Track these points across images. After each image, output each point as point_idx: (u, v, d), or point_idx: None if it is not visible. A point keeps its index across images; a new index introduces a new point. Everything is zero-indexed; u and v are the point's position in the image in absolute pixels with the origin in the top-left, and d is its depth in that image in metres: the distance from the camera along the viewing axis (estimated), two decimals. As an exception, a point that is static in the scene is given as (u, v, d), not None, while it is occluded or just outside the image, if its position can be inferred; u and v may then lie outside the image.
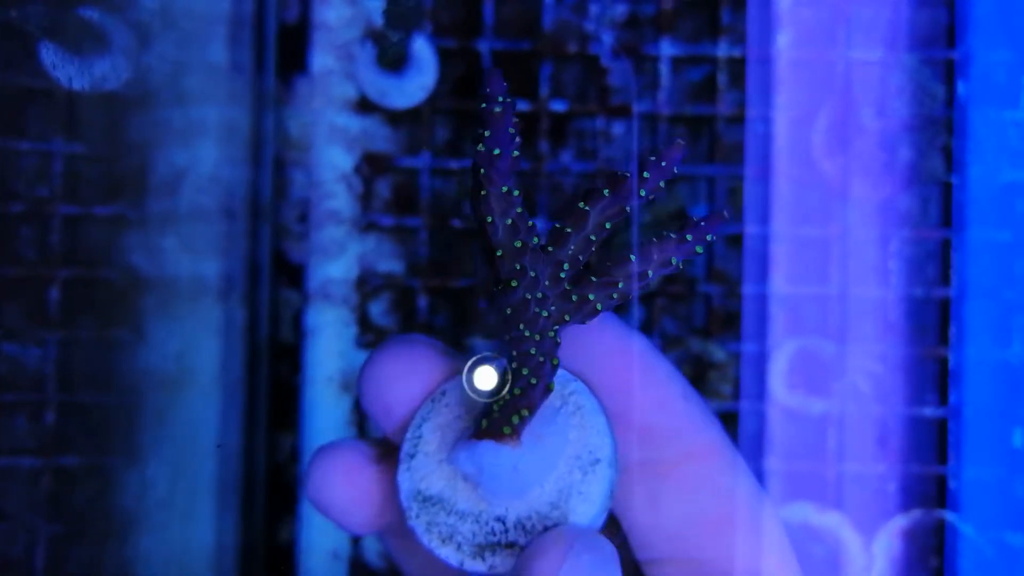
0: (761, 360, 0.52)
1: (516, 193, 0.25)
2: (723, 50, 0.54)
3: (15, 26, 0.44)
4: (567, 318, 0.25)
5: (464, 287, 0.52)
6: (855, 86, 0.52)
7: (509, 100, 0.25)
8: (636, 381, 0.28)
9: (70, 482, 0.47)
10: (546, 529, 0.25)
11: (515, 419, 0.24)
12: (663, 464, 0.29)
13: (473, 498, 0.26)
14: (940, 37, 0.52)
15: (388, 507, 0.29)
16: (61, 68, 0.46)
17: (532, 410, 0.24)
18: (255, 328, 0.51)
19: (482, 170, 0.24)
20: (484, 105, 0.24)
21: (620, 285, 0.26)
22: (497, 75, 0.25)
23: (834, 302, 0.52)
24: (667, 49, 0.54)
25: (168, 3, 0.48)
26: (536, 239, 0.25)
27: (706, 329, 0.54)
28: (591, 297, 0.25)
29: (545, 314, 0.25)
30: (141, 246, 0.47)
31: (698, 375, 0.53)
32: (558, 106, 0.54)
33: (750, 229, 0.53)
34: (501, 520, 0.26)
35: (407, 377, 0.28)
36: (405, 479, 0.27)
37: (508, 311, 0.25)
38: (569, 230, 0.26)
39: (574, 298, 0.25)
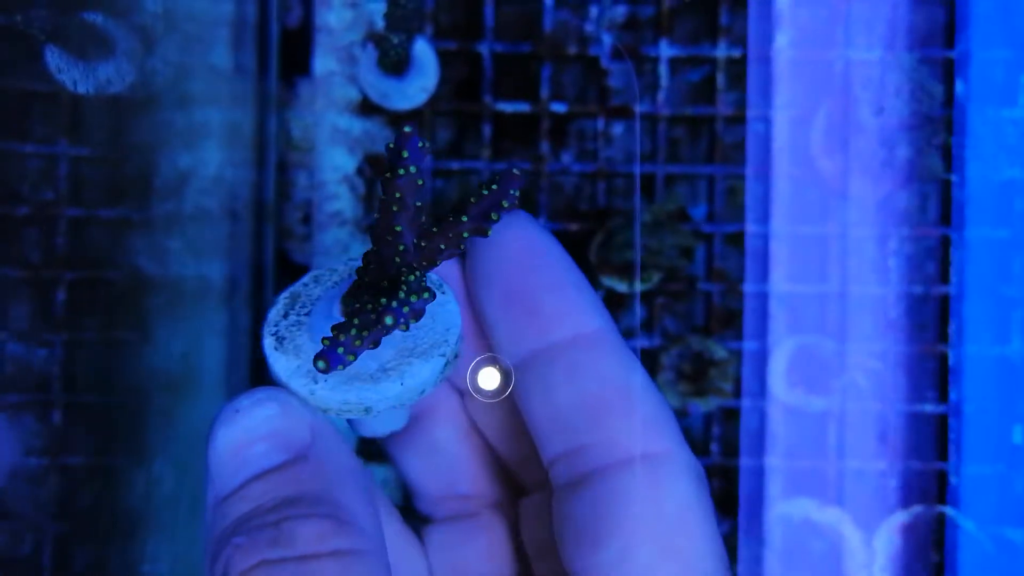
0: (762, 358, 0.52)
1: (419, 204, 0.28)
2: (722, 51, 0.54)
3: (20, 30, 0.44)
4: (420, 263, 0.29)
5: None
6: (854, 85, 0.52)
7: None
8: (531, 265, 0.30)
9: (76, 482, 0.47)
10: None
11: (365, 333, 0.27)
12: (552, 350, 0.30)
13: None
14: (938, 36, 0.53)
15: None
16: (66, 72, 0.47)
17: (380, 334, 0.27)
18: (259, 329, 0.51)
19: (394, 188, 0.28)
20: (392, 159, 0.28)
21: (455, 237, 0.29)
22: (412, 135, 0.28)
23: (834, 300, 0.52)
24: (666, 50, 0.54)
25: (172, 7, 0.49)
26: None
27: (707, 327, 0.54)
28: (441, 247, 0.29)
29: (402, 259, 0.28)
30: (146, 248, 0.48)
31: (699, 373, 0.53)
32: (558, 107, 0.54)
33: (750, 228, 0.53)
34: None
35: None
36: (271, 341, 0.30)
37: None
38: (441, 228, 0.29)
39: (423, 244, 0.29)
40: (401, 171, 0.28)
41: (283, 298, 0.32)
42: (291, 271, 0.53)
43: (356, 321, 0.26)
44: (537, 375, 0.30)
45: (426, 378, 0.29)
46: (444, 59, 0.53)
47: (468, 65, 0.55)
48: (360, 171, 0.54)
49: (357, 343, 0.26)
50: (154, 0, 0.49)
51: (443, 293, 0.31)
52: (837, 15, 0.53)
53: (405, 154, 0.28)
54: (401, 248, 0.28)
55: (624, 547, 0.28)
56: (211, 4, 0.50)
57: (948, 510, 0.51)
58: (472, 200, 0.29)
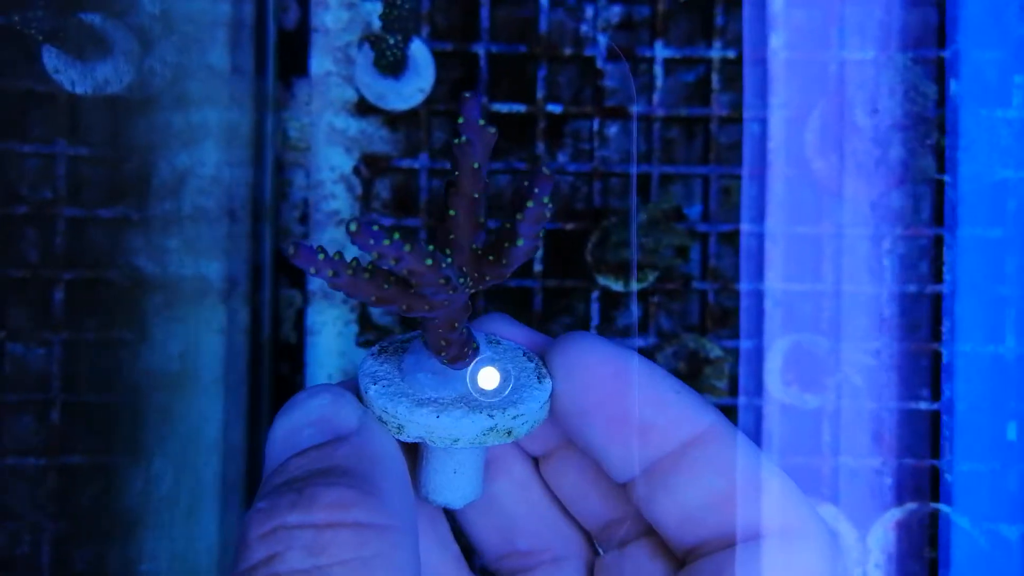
0: (757, 356, 0.52)
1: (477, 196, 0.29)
2: (717, 51, 0.54)
3: (18, 31, 0.44)
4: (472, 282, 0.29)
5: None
6: (848, 86, 0.53)
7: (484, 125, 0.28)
8: (621, 386, 0.30)
9: (75, 481, 0.47)
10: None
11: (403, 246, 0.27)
12: (670, 457, 0.30)
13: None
14: (931, 36, 0.53)
15: None
16: (64, 72, 0.47)
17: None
18: (257, 328, 0.51)
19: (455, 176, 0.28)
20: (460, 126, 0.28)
21: (505, 262, 0.29)
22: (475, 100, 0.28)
23: (828, 299, 0.52)
24: (661, 51, 0.54)
25: (169, 8, 0.49)
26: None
27: (702, 326, 0.54)
28: (487, 275, 0.29)
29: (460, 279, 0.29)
30: (144, 247, 0.48)
31: (694, 371, 0.53)
32: (554, 108, 0.54)
33: (745, 227, 0.53)
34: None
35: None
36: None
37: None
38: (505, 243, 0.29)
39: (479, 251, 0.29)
40: (457, 141, 0.28)
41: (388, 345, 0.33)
42: (288, 270, 0.53)
43: (356, 221, 0.26)
44: (660, 482, 0.30)
45: (463, 430, 0.29)
46: (440, 60, 0.53)
47: (464, 66, 0.55)
48: (357, 171, 0.54)
49: (386, 242, 0.26)
50: (152, 1, 0.49)
51: (540, 383, 0.31)
52: (831, 16, 0.53)
53: (461, 120, 0.28)
54: (452, 237, 0.28)
55: None
56: (209, 5, 0.50)
57: (942, 507, 0.51)
58: (519, 218, 0.29)
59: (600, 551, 0.34)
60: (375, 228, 0.25)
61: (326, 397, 0.29)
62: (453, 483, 0.32)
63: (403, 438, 0.30)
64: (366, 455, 0.28)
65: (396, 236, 0.26)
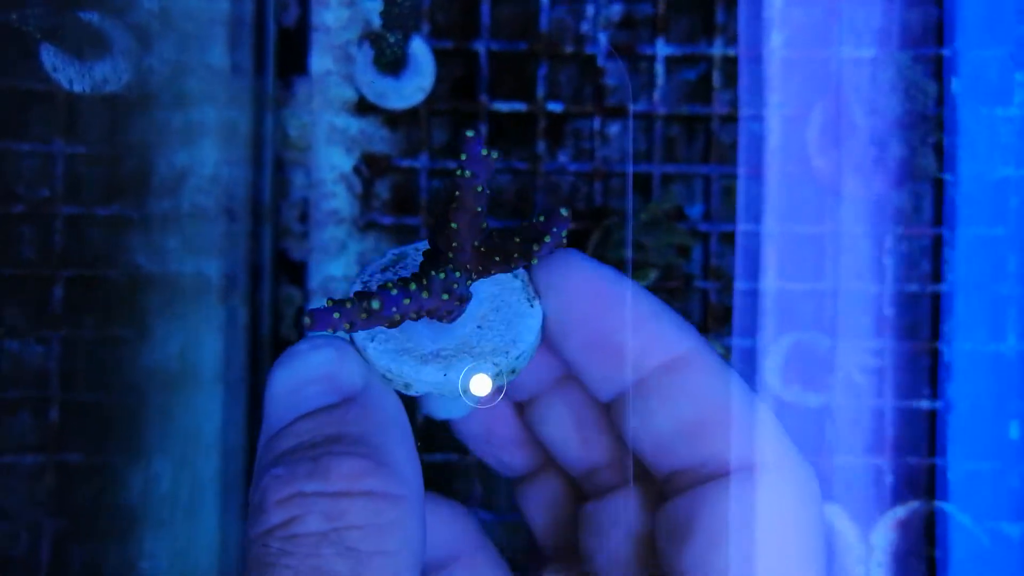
0: (757, 355, 0.52)
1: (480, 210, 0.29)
2: (718, 49, 0.54)
3: (16, 29, 0.44)
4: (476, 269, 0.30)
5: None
6: (847, 84, 0.53)
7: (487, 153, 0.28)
8: (604, 306, 0.30)
9: (74, 479, 0.47)
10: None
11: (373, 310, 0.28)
12: (647, 380, 0.30)
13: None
14: (931, 34, 0.53)
15: None
16: (62, 71, 0.47)
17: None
18: (257, 326, 0.51)
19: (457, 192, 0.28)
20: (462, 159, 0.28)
21: (512, 267, 0.30)
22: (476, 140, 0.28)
23: (829, 297, 0.52)
24: (662, 49, 0.54)
25: (168, 5, 0.49)
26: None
27: (703, 324, 0.54)
28: (496, 259, 0.30)
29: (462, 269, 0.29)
30: (143, 246, 0.47)
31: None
32: (555, 107, 0.54)
33: (745, 226, 0.53)
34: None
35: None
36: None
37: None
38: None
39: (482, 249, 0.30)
40: (459, 172, 0.28)
41: (391, 255, 0.32)
42: (288, 269, 0.53)
43: (376, 295, 0.27)
44: (636, 406, 0.30)
45: (471, 381, 0.30)
46: (440, 58, 0.53)
47: (464, 64, 0.55)
48: (357, 170, 0.54)
49: (362, 316, 0.27)
50: (151, -2, 0.49)
51: (532, 307, 0.31)
52: (830, 14, 0.53)
53: (464, 157, 0.28)
54: (454, 244, 0.28)
55: (706, 549, 0.29)
56: (208, 3, 0.50)
57: (943, 505, 0.51)
58: (524, 224, 0.30)
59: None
60: (392, 292, 0.26)
61: (329, 352, 0.29)
62: (456, 404, 0.33)
63: (410, 393, 0.30)
64: (376, 421, 0.28)
65: (406, 288, 0.27)
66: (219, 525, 0.48)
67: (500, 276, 0.32)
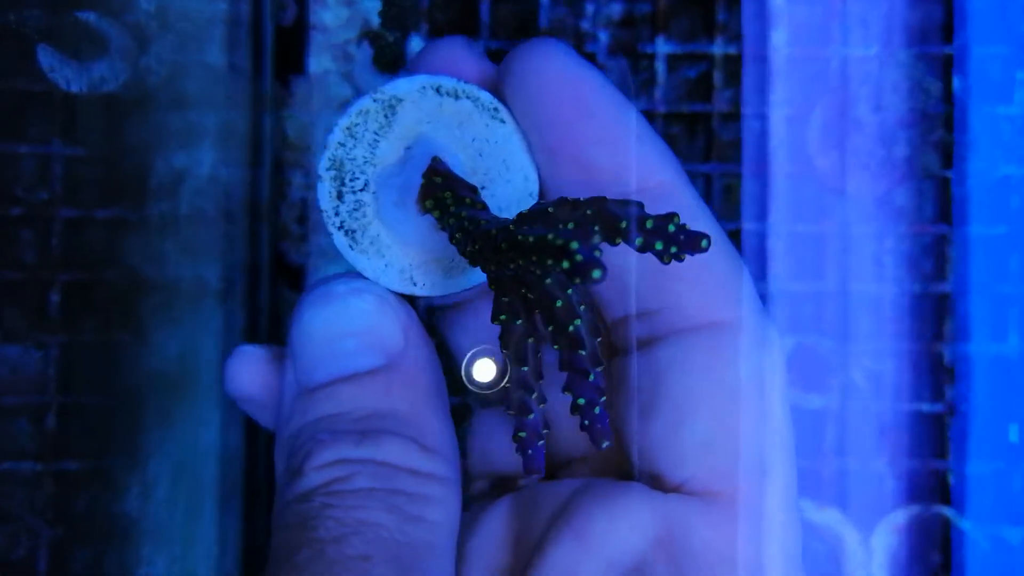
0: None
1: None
2: (719, 47, 0.54)
3: (13, 29, 0.44)
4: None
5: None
6: (851, 82, 0.52)
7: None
8: (577, 111, 0.27)
9: (72, 485, 0.47)
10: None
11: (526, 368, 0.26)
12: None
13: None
14: (935, 32, 0.52)
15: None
16: (59, 71, 0.47)
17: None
18: (255, 329, 0.51)
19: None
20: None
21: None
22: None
23: (832, 298, 0.52)
24: (663, 47, 0.54)
25: (165, 5, 0.48)
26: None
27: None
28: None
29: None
30: (142, 249, 0.47)
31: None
32: (555, 105, 0.54)
33: (747, 226, 0.53)
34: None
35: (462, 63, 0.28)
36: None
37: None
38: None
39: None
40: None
41: (327, 171, 0.28)
42: (287, 271, 0.53)
43: (510, 355, 0.25)
44: None
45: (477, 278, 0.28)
46: (440, 57, 0.53)
47: (464, 63, 0.55)
48: (356, 170, 0.54)
49: (540, 403, 0.25)
50: (147, -2, 0.48)
51: (502, 123, 0.28)
52: (833, 12, 0.53)
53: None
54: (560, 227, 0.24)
55: (677, 418, 0.27)
56: (205, 2, 0.50)
57: (947, 509, 0.51)
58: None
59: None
60: (540, 443, 0.25)
61: (369, 301, 0.27)
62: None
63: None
64: (420, 393, 0.26)
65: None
66: (218, 531, 0.48)
67: (473, 107, 0.28)
